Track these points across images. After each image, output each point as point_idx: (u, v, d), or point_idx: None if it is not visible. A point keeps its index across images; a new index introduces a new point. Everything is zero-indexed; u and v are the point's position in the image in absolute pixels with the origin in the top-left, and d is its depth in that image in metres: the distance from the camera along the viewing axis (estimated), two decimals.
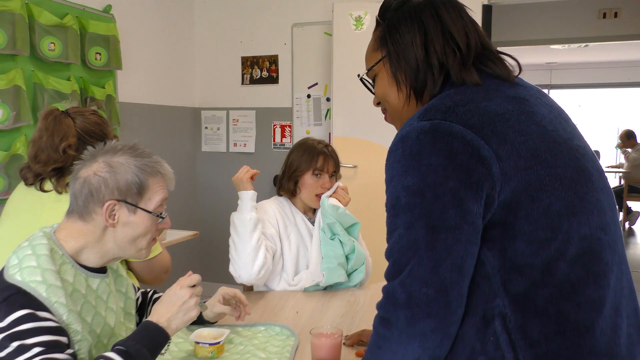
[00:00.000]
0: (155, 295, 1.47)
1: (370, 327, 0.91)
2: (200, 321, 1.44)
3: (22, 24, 2.52)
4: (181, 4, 3.96)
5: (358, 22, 3.36)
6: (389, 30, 0.97)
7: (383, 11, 1.00)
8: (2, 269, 1.06)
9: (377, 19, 1.02)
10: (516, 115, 0.86)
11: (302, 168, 1.89)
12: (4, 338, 0.96)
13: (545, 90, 9.69)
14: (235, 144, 4.12)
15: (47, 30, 2.67)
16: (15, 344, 0.95)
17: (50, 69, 2.74)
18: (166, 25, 3.79)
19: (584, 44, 6.19)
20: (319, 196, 1.89)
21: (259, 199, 1.92)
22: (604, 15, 4.74)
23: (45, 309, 1.00)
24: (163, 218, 1.19)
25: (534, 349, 0.80)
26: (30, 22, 2.59)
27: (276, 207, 1.94)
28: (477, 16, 3.15)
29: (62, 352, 0.97)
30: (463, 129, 0.82)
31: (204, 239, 3.97)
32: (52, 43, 2.70)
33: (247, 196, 1.83)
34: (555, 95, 9.99)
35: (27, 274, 1.02)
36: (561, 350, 0.79)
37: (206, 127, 4.19)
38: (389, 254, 0.86)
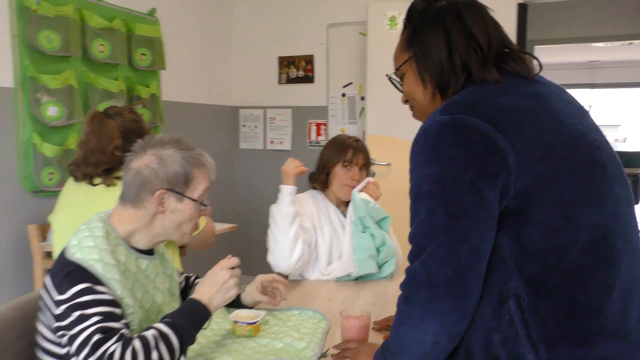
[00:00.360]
0: (197, 280, 1.58)
1: None
2: (238, 305, 1.54)
3: (75, 27, 2.69)
4: (220, 7, 4.10)
5: (392, 22, 3.42)
6: (415, 33, 1.04)
7: (409, 14, 1.07)
8: (64, 249, 1.19)
9: (404, 22, 1.09)
10: (534, 110, 0.92)
11: (333, 160, 1.98)
12: (66, 308, 1.08)
13: (588, 90, 9.47)
14: (271, 142, 4.24)
15: (97, 33, 2.84)
16: (76, 314, 1.07)
17: (100, 70, 2.91)
18: (206, 27, 3.94)
19: (628, 42, 6.03)
20: (349, 187, 1.97)
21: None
22: None
23: (102, 284, 1.11)
24: (206, 206, 1.29)
25: (545, 328, 0.85)
26: (82, 25, 2.76)
27: (311, 199, 2.03)
28: (511, 15, 3.16)
29: (117, 321, 1.09)
30: (481, 122, 0.88)
31: (242, 232, 4.11)
32: (101, 45, 2.86)
33: (287, 190, 1.91)
34: (599, 95, 9.72)
35: (86, 252, 1.14)
36: (571, 329, 0.85)
37: (244, 125, 4.32)
38: (411, 238, 0.93)
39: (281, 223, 1.87)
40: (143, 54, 3.16)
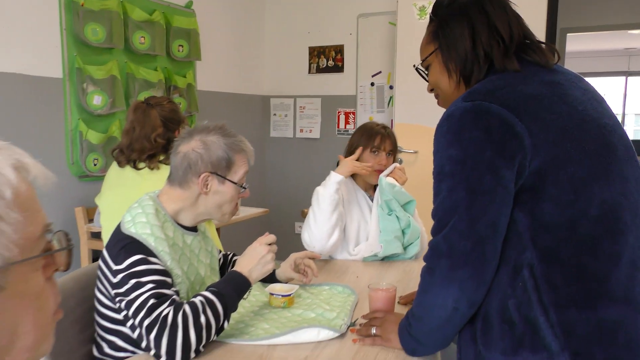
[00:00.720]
0: (235, 258, 1.71)
1: None
2: (273, 281, 1.65)
3: (118, 20, 2.84)
4: None
5: (422, 11, 3.46)
6: (441, 25, 1.13)
7: (435, 9, 1.16)
8: (119, 224, 1.32)
9: (430, 16, 1.17)
10: (549, 97, 0.99)
11: (361, 146, 2.07)
12: (123, 277, 1.21)
13: (623, 77, 9.26)
14: (301, 130, 4.34)
15: (139, 26, 2.98)
16: (132, 281, 1.19)
17: (140, 61, 3.06)
18: (240, 18, 4.05)
19: None
20: (376, 172, 2.05)
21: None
22: None
23: (154, 255, 1.24)
24: (245, 188, 1.41)
25: (556, 293, 0.94)
26: (124, 18, 2.91)
27: (342, 184, 2.12)
28: (541, 3, 3.17)
29: (168, 289, 1.21)
30: (500, 108, 0.96)
31: (272, 217, 4.24)
32: (142, 37, 3.01)
33: (336, 178, 1.97)
34: (635, 83, 9.49)
35: (140, 227, 1.27)
36: (579, 294, 0.93)
37: (274, 114, 4.43)
38: (434, 214, 1.03)
39: (325, 208, 1.94)
40: (180, 46, 3.29)
